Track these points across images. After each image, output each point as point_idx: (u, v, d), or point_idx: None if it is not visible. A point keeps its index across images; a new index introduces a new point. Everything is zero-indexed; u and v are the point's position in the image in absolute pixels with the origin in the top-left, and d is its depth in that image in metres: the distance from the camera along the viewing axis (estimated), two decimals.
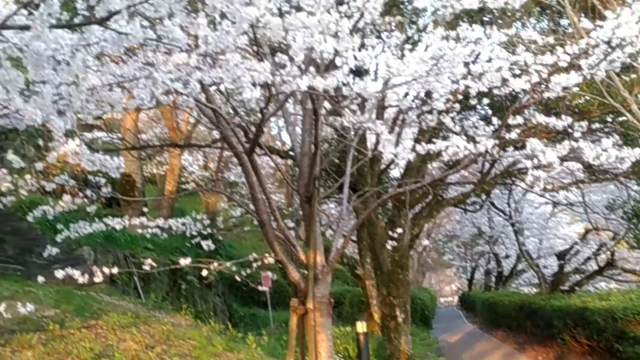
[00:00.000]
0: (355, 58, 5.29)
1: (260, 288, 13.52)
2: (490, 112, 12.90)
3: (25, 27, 3.86)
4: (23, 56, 4.12)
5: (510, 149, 7.56)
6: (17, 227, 14.22)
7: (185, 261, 8.54)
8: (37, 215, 7.86)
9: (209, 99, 6.72)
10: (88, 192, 7.50)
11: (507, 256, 35.55)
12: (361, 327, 10.08)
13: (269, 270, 11.35)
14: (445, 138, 7.63)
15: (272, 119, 14.45)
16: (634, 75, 9.70)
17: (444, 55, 6.13)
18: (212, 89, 6.73)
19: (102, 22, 4.01)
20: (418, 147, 7.40)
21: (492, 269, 39.55)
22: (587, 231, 26.57)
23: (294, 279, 7.91)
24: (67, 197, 7.36)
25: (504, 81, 7.00)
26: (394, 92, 7.80)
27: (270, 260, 8.98)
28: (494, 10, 10.79)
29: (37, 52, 4.02)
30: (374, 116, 8.67)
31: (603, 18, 7.17)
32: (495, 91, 7.35)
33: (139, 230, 9.44)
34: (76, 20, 4.20)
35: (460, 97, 8.70)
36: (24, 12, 3.88)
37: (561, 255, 27.38)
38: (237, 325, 18.19)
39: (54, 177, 7.06)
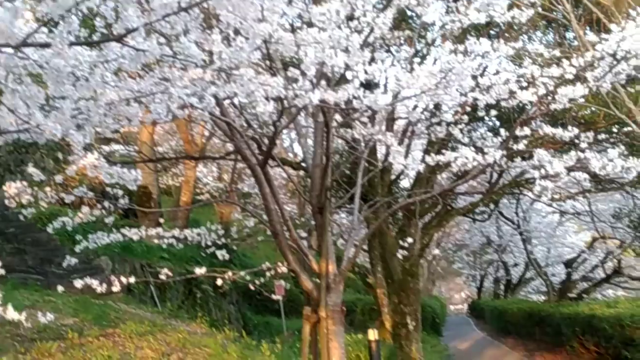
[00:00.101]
0: (366, 72, 5.31)
1: (273, 297, 13.60)
2: (498, 123, 13.00)
3: (46, 45, 3.95)
4: (43, 72, 4.19)
5: (518, 159, 7.61)
6: (37, 238, 14.42)
7: (200, 270, 8.69)
8: (57, 227, 7.93)
9: (223, 112, 6.74)
10: (106, 204, 7.56)
11: (515, 264, 35.52)
12: (373, 334, 10.12)
13: (282, 279, 11.45)
14: (454, 149, 7.67)
15: (285, 131, 14.56)
16: (639, 87, 9.80)
17: (453, 69, 6.12)
18: (226, 102, 6.74)
19: (120, 39, 4.08)
20: (427, 158, 7.46)
21: (501, 277, 39.48)
22: (594, 239, 26.63)
23: (306, 287, 7.93)
24: (85, 209, 7.49)
25: (512, 93, 7.08)
26: (404, 105, 7.86)
27: (283, 269, 9.09)
28: (501, 24, 10.87)
29: (57, 68, 4.10)
30: (384, 128, 8.76)
31: (608, 31, 7.27)
32: (503, 103, 7.41)
33: (156, 241, 9.54)
34: (95, 38, 4.29)
35: (468, 109, 8.78)
36: (44, 30, 3.96)
37: (569, 264, 27.43)
38: (251, 333, 18.23)
39: (73, 189, 7.08)
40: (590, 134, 7.97)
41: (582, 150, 7.14)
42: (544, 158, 6.94)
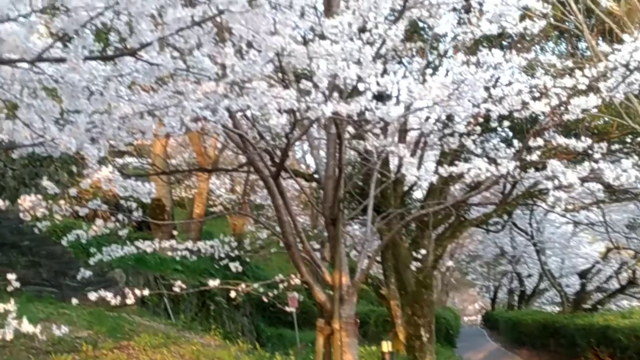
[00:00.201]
0: (378, 84, 5.32)
1: (287, 309, 13.60)
2: (511, 134, 12.95)
3: (61, 60, 3.95)
4: (58, 87, 4.22)
5: (531, 170, 7.63)
6: (52, 250, 14.47)
7: (213, 283, 8.72)
8: (71, 239, 8.00)
9: (236, 125, 6.77)
10: (120, 217, 7.55)
11: (529, 275, 35.26)
12: (387, 346, 10.12)
13: (295, 291, 11.45)
14: (467, 160, 7.69)
15: (297, 143, 14.57)
16: None
17: (465, 80, 6.12)
18: (239, 115, 6.76)
19: (134, 53, 4.08)
20: (440, 170, 7.40)
21: (515, 288, 39.30)
22: (609, 250, 26.44)
23: (320, 299, 7.91)
24: (99, 222, 7.50)
25: (524, 104, 7.05)
26: (416, 116, 7.83)
27: (296, 281, 9.10)
28: (513, 35, 10.88)
29: (72, 83, 4.12)
30: (396, 139, 8.78)
31: (621, 41, 7.26)
32: (516, 114, 7.40)
33: (169, 253, 9.57)
34: (109, 52, 4.29)
35: (481, 120, 8.78)
36: (59, 44, 3.95)
37: (583, 274, 27.31)
38: (265, 345, 18.18)
39: (87, 202, 7.14)
40: (604, 144, 7.93)
41: (596, 161, 7.12)
42: (558, 169, 6.89)
